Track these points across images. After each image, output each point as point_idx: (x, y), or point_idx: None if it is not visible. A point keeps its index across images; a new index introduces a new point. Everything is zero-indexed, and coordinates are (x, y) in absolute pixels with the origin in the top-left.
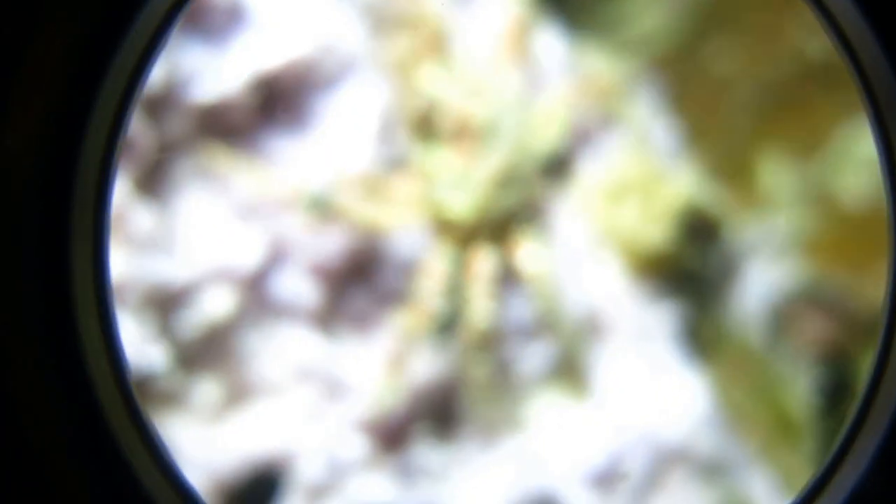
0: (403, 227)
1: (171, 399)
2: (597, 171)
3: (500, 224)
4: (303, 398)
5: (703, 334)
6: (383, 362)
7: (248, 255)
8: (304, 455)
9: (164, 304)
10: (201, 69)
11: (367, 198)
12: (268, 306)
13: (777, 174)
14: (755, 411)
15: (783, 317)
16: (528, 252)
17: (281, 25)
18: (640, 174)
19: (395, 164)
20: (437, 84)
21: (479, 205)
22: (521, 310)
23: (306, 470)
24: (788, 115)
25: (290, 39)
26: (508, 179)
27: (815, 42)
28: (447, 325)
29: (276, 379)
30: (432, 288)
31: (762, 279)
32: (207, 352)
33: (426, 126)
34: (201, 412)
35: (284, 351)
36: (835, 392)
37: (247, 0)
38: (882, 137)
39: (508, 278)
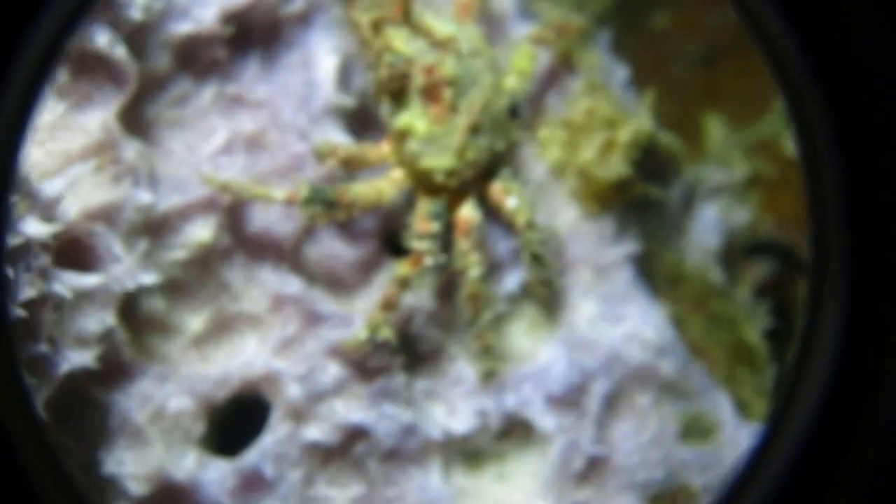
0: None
1: (160, 325)
2: (559, 112)
3: (479, 171)
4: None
5: (661, 269)
6: (378, 302)
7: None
8: (285, 380)
9: (151, 232)
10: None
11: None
12: (249, 238)
13: (720, 128)
14: (714, 342)
15: (733, 256)
16: (507, 192)
17: None
18: (599, 113)
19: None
20: (403, 42)
21: (457, 158)
22: (500, 243)
23: (288, 393)
24: (733, 73)
25: None
26: (482, 128)
27: None
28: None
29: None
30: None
31: (713, 219)
32: (193, 280)
33: (397, 86)
34: (188, 338)
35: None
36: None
37: None
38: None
39: (490, 215)
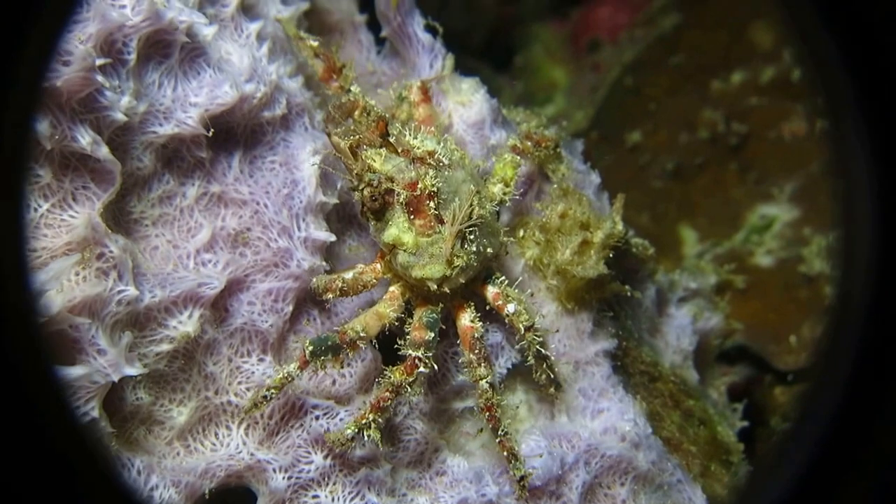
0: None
1: (145, 417)
2: (536, 213)
3: (470, 276)
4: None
5: (638, 367)
6: (370, 404)
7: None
8: (270, 470)
9: (135, 325)
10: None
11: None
12: (234, 331)
13: (694, 241)
14: (688, 438)
15: (706, 357)
16: (506, 298)
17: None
18: (573, 215)
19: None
20: (381, 162)
21: (447, 266)
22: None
23: (273, 483)
24: (705, 188)
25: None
26: (470, 234)
27: (737, 126)
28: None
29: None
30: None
31: (686, 321)
32: (178, 372)
33: (380, 204)
34: (173, 429)
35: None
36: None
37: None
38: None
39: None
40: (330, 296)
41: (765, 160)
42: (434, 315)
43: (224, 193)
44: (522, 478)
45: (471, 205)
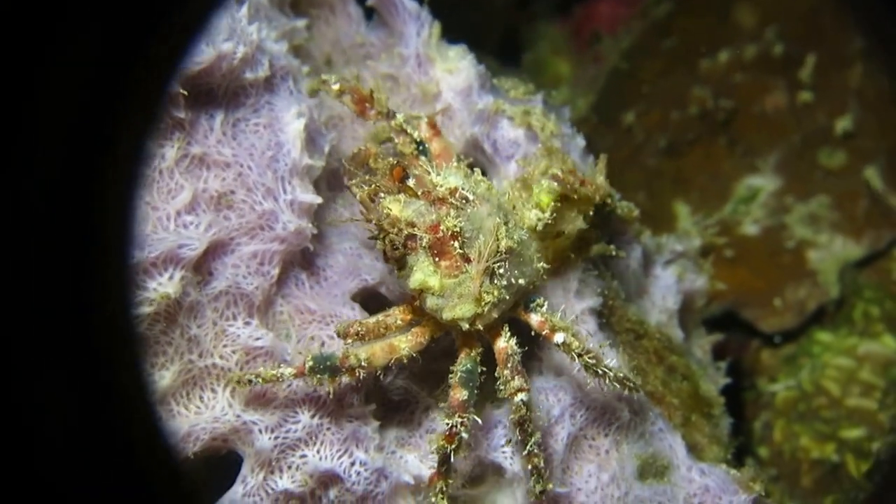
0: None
1: None
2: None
3: (504, 309)
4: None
5: (625, 325)
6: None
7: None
8: (256, 431)
9: None
10: None
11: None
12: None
13: (687, 214)
14: (671, 392)
15: (691, 318)
16: (552, 328)
17: None
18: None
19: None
20: (400, 208)
21: (476, 304)
22: None
23: (259, 444)
24: (696, 164)
25: None
26: (498, 268)
27: (724, 102)
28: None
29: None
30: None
31: (671, 282)
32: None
33: (402, 253)
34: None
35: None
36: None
37: None
38: None
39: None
40: (349, 340)
41: (750, 133)
42: (470, 366)
43: (206, 155)
44: (543, 491)
45: (496, 239)
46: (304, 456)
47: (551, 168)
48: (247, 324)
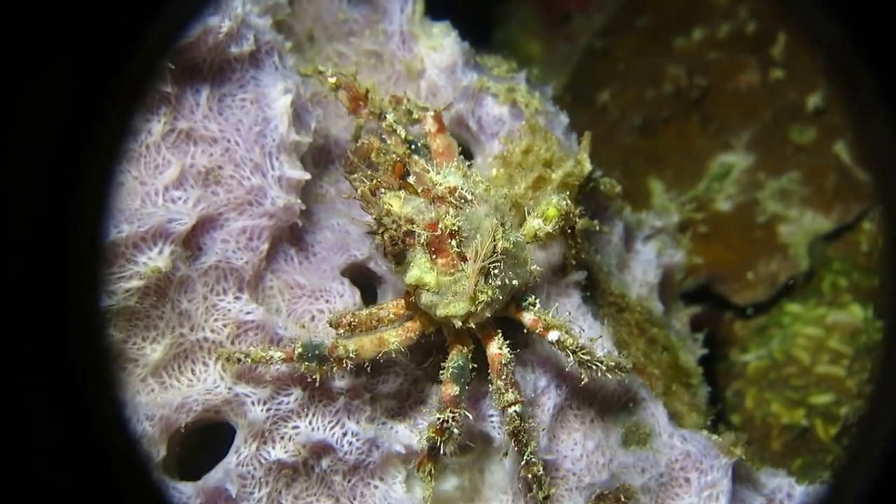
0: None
1: (117, 355)
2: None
3: (497, 308)
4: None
5: (607, 299)
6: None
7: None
8: (248, 403)
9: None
10: None
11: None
12: (208, 268)
13: (661, 191)
14: (652, 362)
15: (670, 291)
16: (545, 326)
17: None
18: (536, 152)
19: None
20: (400, 205)
21: (470, 302)
22: None
23: (251, 415)
24: (670, 142)
25: None
26: (493, 268)
27: (698, 80)
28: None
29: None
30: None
31: (651, 256)
32: (150, 309)
33: (400, 249)
34: (147, 366)
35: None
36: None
37: None
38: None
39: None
40: (341, 330)
41: (724, 111)
42: (461, 362)
43: (193, 130)
44: (547, 497)
45: (493, 240)
46: (296, 427)
47: (533, 147)
48: (237, 298)
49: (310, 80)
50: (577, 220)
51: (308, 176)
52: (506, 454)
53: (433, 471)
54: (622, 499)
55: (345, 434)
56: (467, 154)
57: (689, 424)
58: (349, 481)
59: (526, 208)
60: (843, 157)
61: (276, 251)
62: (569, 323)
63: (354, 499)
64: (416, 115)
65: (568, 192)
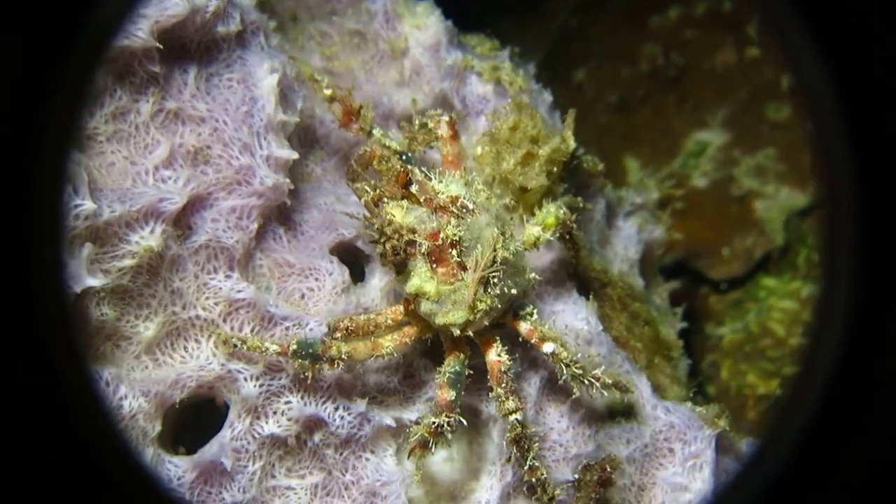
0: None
1: (111, 333)
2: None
3: (495, 317)
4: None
5: (590, 274)
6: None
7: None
8: (241, 379)
9: (96, 240)
10: None
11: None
12: (199, 247)
13: (637, 168)
14: (635, 336)
15: (650, 266)
16: (540, 338)
17: None
18: (524, 129)
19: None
20: (402, 214)
21: (469, 311)
22: None
23: (245, 391)
24: (647, 120)
25: None
26: (493, 278)
27: (674, 58)
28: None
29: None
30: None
31: (632, 232)
32: (143, 287)
33: (401, 258)
34: (141, 344)
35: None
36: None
37: None
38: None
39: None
40: (338, 335)
41: (700, 89)
42: (458, 368)
43: (181, 110)
44: (552, 499)
45: (494, 249)
46: (288, 402)
47: (520, 124)
48: (228, 277)
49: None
50: (574, 224)
51: (296, 155)
52: (508, 459)
53: (422, 457)
54: (608, 469)
55: (336, 408)
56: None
57: (671, 396)
58: (341, 454)
59: (524, 215)
60: None
61: (265, 230)
62: (564, 336)
63: (346, 471)
64: (431, 125)
65: (556, 169)
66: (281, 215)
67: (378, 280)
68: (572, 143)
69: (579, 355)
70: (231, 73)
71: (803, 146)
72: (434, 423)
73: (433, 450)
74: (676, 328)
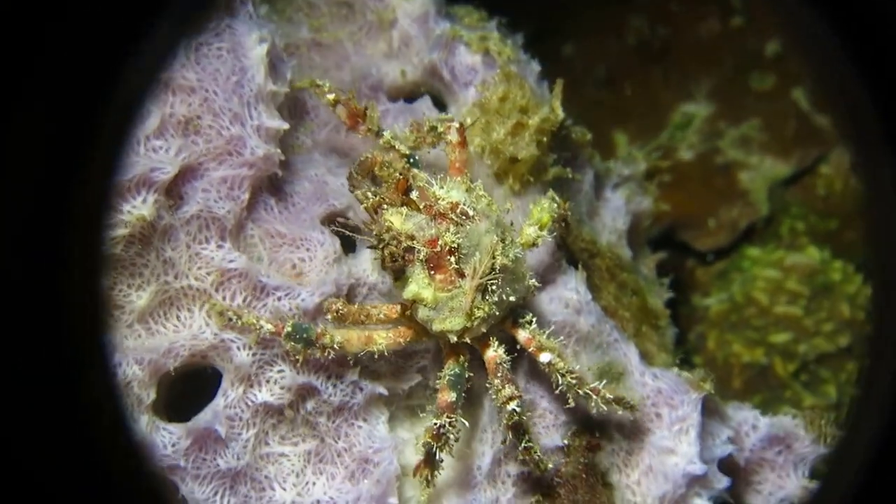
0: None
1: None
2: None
3: (493, 324)
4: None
5: (579, 245)
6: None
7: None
8: (234, 347)
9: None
10: None
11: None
12: (190, 217)
13: (625, 141)
14: (623, 305)
15: (638, 237)
16: (538, 347)
17: None
18: (513, 99)
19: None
20: (401, 221)
21: (467, 318)
22: None
23: (238, 359)
24: (633, 94)
25: None
26: (491, 285)
27: (660, 30)
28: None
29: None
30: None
31: (620, 204)
32: (135, 257)
33: (400, 265)
34: (133, 313)
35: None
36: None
37: None
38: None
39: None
40: (329, 316)
41: (685, 61)
42: (458, 370)
43: (171, 80)
44: (546, 469)
45: (492, 257)
46: (281, 371)
47: (509, 94)
48: (220, 247)
49: (282, 29)
50: (568, 212)
51: (286, 126)
52: (504, 441)
53: (430, 477)
54: (597, 435)
55: (329, 377)
56: (440, 104)
57: (658, 363)
58: (334, 422)
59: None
60: (801, 103)
61: (256, 200)
62: (562, 347)
63: (339, 438)
64: (440, 129)
65: (545, 139)
66: (272, 186)
67: (370, 251)
68: (560, 113)
69: (577, 367)
70: (220, 42)
71: (787, 116)
72: (436, 424)
73: (440, 460)
74: (664, 298)
